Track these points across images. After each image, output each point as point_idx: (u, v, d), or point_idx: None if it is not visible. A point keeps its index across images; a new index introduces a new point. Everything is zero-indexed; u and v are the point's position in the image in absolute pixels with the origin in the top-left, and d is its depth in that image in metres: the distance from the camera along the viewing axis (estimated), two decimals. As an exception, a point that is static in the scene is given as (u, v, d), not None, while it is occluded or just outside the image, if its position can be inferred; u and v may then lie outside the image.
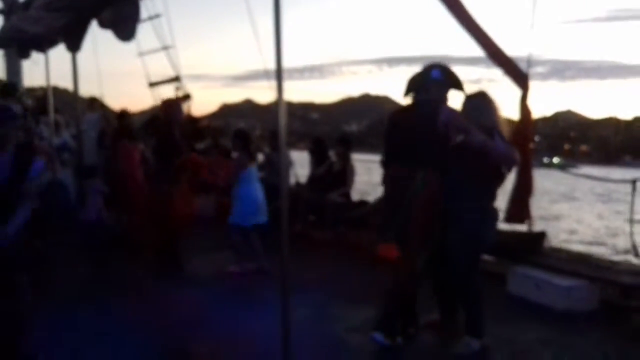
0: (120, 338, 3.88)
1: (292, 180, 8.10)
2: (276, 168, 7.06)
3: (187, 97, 8.99)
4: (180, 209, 5.72)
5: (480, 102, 3.69)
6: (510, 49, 5.07)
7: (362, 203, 7.43)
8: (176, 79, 8.99)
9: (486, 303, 3.69)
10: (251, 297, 4.98)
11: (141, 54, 8.87)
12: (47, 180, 4.49)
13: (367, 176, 9.99)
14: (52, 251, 5.68)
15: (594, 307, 4.51)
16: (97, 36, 8.19)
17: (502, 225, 5.21)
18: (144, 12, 7.51)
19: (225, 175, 6.63)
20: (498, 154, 3.49)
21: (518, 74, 5.05)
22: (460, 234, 3.56)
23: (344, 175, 7.42)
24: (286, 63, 2.93)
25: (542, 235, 5.41)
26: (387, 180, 3.91)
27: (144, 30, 7.95)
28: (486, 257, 5.36)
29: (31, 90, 10.36)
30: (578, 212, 26.78)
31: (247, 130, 6.01)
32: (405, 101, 3.85)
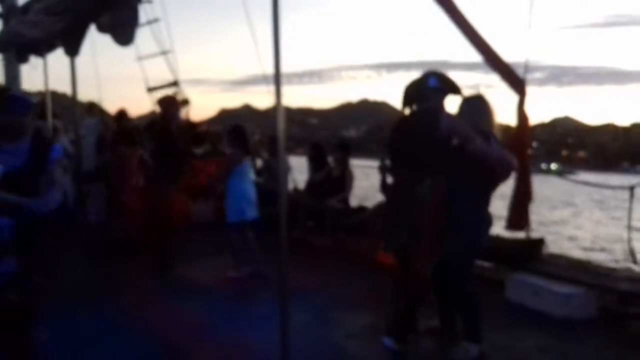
0: (118, 342, 3.88)
1: (291, 186, 8.08)
2: (274, 173, 7.05)
3: (185, 102, 8.96)
4: (176, 209, 5.70)
5: (476, 104, 3.71)
6: (508, 55, 5.09)
7: (361, 209, 7.40)
8: (175, 83, 8.98)
9: (484, 309, 3.68)
10: (250, 303, 4.96)
11: (140, 59, 8.88)
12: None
13: (366, 181, 9.98)
14: (53, 255, 5.65)
15: (593, 314, 4.50)
16: (95, 40, 8.17)
17: (501, 232, 5.22)
18: (142, 17, 7.49)
19: (212, 173, 6.61)
20: (495, 159, 3.51)
21: (515, 80, 5.04)
22: (461, 238, 3.55)
23: (343, 181, 7.39)
24: (285, 68, 2.92)
25: (540, 242, 5.40)
26: (391, 187, 3.91)
27: (142, 35, 7.93)
28: (485, 263, 5.36)
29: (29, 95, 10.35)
30: (576, 218, 26.82)
31: (243, 125, 5.91)
32: (404, 112, 3.85)
